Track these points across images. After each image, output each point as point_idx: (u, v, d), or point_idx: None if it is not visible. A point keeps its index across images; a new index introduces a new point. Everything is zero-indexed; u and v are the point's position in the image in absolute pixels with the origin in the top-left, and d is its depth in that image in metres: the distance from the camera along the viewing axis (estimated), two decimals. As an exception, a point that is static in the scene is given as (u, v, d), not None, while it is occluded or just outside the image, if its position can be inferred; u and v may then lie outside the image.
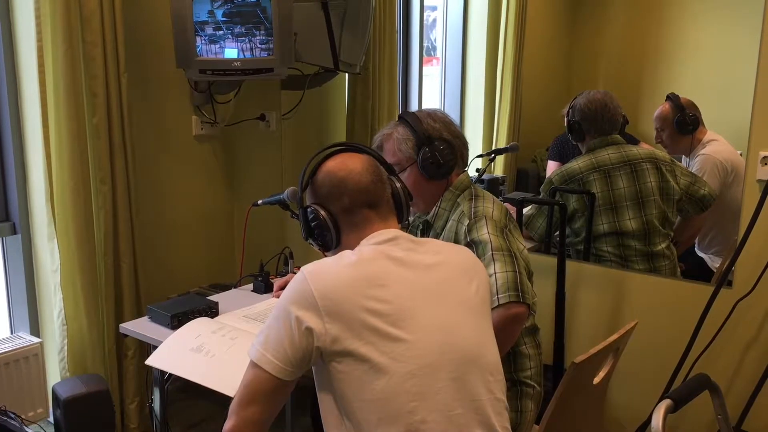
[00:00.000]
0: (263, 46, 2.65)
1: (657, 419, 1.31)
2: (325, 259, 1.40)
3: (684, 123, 2.70)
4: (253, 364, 1.34)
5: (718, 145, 2.64)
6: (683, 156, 2.75)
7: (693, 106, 2.71)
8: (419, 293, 1.37)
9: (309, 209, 1.52)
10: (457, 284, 1.44)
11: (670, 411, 1.35)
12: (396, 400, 1.27)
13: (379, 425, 1.27)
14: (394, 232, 1.46)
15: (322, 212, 1.50)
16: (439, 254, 1.46)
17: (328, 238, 1.51)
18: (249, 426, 1.33)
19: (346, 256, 1.39)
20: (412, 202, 1.77)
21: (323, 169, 1.53)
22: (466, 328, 1.39)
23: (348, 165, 1.51)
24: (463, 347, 1.36)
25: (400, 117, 2.01)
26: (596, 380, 1.79)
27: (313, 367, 1.36)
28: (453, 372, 1.33)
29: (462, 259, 1.50)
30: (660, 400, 1.41)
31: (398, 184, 1.57)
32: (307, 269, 1.35)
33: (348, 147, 1.57)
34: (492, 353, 1.43)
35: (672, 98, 2.74)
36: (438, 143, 1.93)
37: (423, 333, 1.32)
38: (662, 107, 2.77)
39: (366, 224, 1.48)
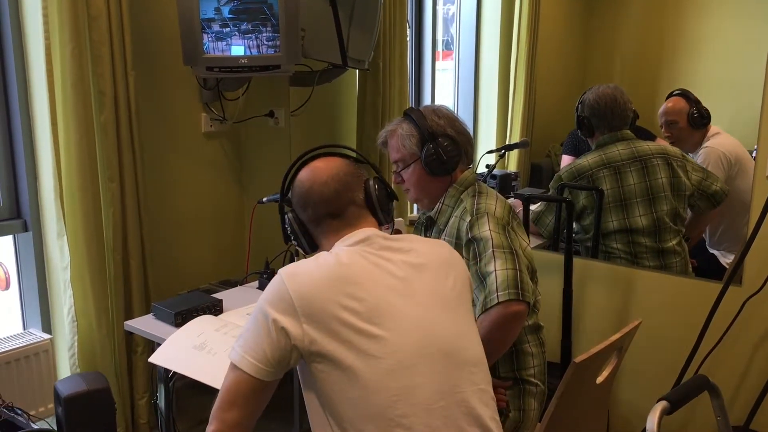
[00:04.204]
0: (270, 43, 2.65)
1: (652, 421, 1.30)
2: (303, 260, 1.42)
3: (700, 117, 2.67)
4: (233, 367, 1.34)
5: (721, 138, 2.61)
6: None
7: (700, 102, 2.69)
8: (395, 290, 1.37)
9: (286, 215, 1.59)
10: (433, 278, 1.44)
11: (666, 413, 1.33)
12: (377, 396, 1.28)
13: (362, 422, 1.28)
14: (366, 232, 1.47)
15: (293, 219, 1.57)
16: (414, 250, 1.47)
17: (302, 243, 1.57)
18: (231, 429, 1.33)
19: (322, 257, 1.40)
20: (407, 200, 1.77)
21: (297, 176, 1.57)
22: (443, 322, 1.40)
23: (315, 174, 1.53)
24: (442, 341, 1.37)
25: (405, 113, 2.01)
26: (599, 379, 1.77)
27: (297, 367, 1.37)
28: (433, 366, 1.34)
29: (437, 254, 1.50)
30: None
31: (375, 186, 1.55)
32: (284, 271, 1.36)
33: (327, 150, 1.60)
34: (473, 345, 1.43)
35: (684, 93, 2.70)
36: (442, 140, 1.92)
37: (400, 329, 1.33)
38: (675, 101, 2.73)
39: (332, 232, 1.51)
